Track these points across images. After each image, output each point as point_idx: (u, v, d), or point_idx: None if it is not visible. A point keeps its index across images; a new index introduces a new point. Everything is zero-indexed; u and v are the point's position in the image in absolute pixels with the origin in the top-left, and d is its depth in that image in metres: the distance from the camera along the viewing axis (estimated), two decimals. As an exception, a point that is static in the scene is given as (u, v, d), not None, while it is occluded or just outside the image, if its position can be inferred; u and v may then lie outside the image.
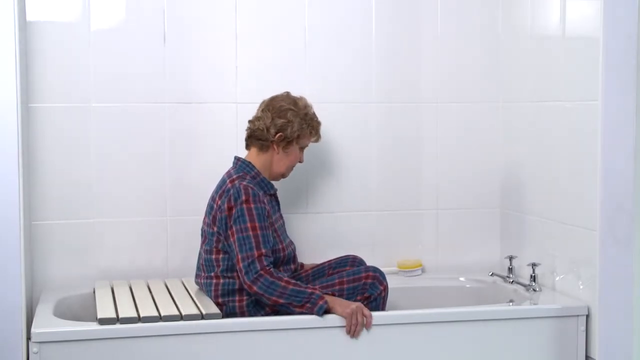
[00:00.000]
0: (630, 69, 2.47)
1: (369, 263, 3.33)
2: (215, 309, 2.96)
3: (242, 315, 3.03)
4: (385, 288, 3.13)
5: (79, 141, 3.39)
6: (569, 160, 3.23)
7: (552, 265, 3.36)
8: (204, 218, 3.15)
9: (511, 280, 3.51)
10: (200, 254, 3.16)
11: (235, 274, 3.04)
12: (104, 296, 3.14)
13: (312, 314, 2.93)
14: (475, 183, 3.77)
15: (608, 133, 2.58)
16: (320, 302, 2.93)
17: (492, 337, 3.09)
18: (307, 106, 3.20)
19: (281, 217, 3.27)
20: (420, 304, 3.43)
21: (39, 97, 3.33)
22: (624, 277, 2.53)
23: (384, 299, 3.13)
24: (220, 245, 3.06)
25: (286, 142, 3.15)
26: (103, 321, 2.83)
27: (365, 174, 3.67)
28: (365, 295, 3.09)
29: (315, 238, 3.61)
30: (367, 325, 2.95)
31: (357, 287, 3.09)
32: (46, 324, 2.87)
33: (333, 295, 3.04)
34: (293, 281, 2.96)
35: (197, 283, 3.20)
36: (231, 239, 3.00)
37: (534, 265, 3.38)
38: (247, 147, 3.22)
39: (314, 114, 3.22)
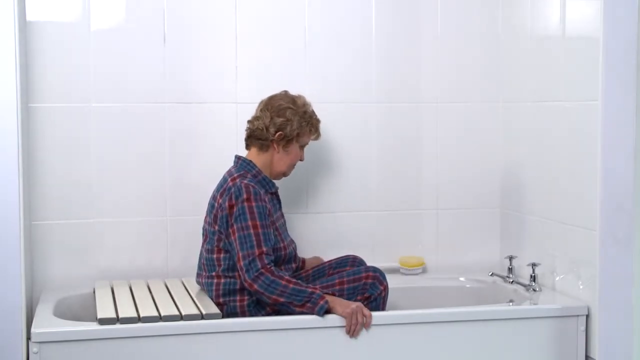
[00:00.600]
0: (630, 69, 2.47)
1: (369, 263, 3.33)
2: (215, 309, 2.96)
3: (243, 315, 3.03)
4: (386, 288, 3.13)
5: (79, 141, 3.39)
6: (569, 160, 3.23)
7: (552, 265, 3.36)
8: (205, 217, 3.15)
9: (511, 280, 3.51)
10: (201, 253, 3.16)
11: (236, 273, 3.04)
12: (104, 296, 3.13)
13: (312, 313, 2.94)
14: (475, 183, 3.77)
15: (608, 133, 2.58)
16: (321, 302, 2.93)
17: (492, 337, 3.09)
18: (305, 104, 3.20)
19: (282, 215, 3.27)
20: (420, 304, 3.43)
21: (39, 97, 3.33)
22: (624, 277, 2.53)
23: (384, 299, 3.13)
24: (221, 244, 3.06)
25: (286, 140, 3.15)
26: (103, 321, 2.83)
27: (365, 174, 3.67)
28: (365, 295, 3.09)
29: (316, 238, 3.61)
30: (367, 325, 2.95)
31: (357, 287, 3.09)
32: (46, 324, 2.86)
33: (333, 295, 3.04)
34: (294, 280, 2.96)
35: (198, 283, 3.20)
36: (232, 237, 3.00)
37: (534, 265, 3.38)
38: (247, 147, 3.22)
39: (312, 111, 3.22)
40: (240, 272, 2.97)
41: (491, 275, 3.62)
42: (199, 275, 3.17)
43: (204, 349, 2.88)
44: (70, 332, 2.81)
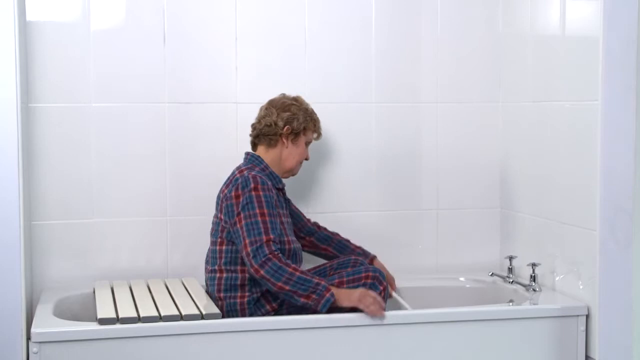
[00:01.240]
0: (630, 69, 2.47)
1: (369, 263, 3.34)
2: (215, 309, 2.96)
3: (242, 312, 3.03)
4: (385, 288, 3.13)
5: (79, 141, 3.39)
6: (569, 160, 3.23)
7: (552, 265, 3.36)
8: (215, 212, 3.17)
9: (511, 280, 3.51)
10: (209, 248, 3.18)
11: (238, 267, 3.05)
12: (104, 296, 3.13)
13: (316, 306, 2.92)
14: (475, 183, 3.77)
15: (608, 133, 2.58)
16: (327, 295, 2.92)
17: (492, 337, 3.09)
18: (306, 103, 3.27)
19: (289, 215, 3.27)
20: (420, 304, 3.43)
21: (39, 97, 3.33)
22: (624, 277, 2.53)
23: (384, 299, 3.13)
24: (224, 234, 3.07)
25: (294, 134, 3.19)
26: (103, 321, 2.83)
27: (365, 174, 3.67)
28: (365, 295, 3.09)
29: (316, 238, 3.61)
30: (379, 303, 2.95)
31: (357, 287, 3.09)
32: (46, 324, 2.86)
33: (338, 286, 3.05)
34: (300, 269, 2.96)
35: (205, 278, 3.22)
36: (237, 226, 3.00)
37: (534, 265, 3.37)
38: (255, 146, 3.24)
39: (313, 110, 3.27)
40: (247, 259, 2.96)
41: (491, 275, 3.62)
42: (205, 269, 3.20)
43: (204, 349, 2.88)
44: (70, 332, 2.81)
